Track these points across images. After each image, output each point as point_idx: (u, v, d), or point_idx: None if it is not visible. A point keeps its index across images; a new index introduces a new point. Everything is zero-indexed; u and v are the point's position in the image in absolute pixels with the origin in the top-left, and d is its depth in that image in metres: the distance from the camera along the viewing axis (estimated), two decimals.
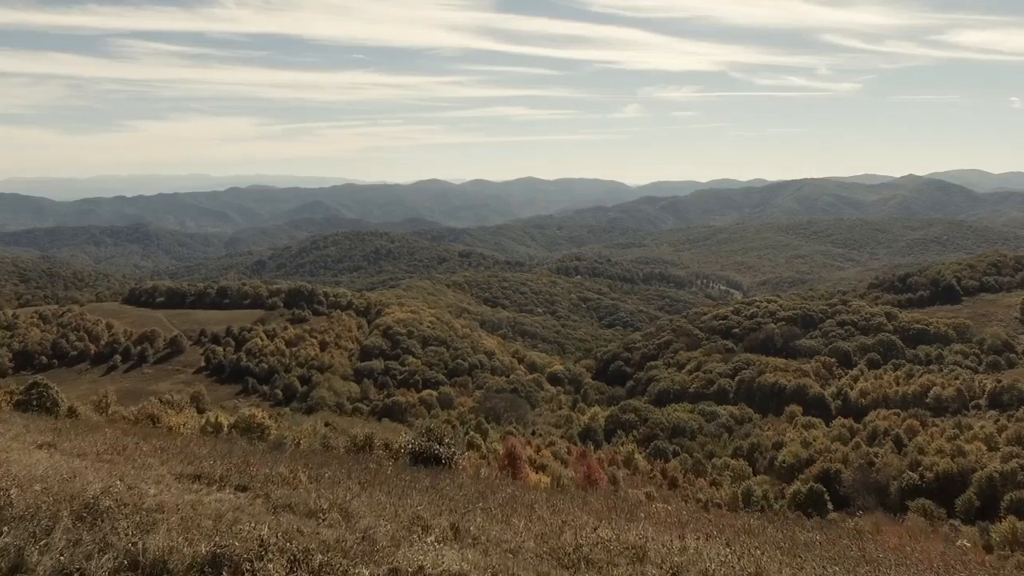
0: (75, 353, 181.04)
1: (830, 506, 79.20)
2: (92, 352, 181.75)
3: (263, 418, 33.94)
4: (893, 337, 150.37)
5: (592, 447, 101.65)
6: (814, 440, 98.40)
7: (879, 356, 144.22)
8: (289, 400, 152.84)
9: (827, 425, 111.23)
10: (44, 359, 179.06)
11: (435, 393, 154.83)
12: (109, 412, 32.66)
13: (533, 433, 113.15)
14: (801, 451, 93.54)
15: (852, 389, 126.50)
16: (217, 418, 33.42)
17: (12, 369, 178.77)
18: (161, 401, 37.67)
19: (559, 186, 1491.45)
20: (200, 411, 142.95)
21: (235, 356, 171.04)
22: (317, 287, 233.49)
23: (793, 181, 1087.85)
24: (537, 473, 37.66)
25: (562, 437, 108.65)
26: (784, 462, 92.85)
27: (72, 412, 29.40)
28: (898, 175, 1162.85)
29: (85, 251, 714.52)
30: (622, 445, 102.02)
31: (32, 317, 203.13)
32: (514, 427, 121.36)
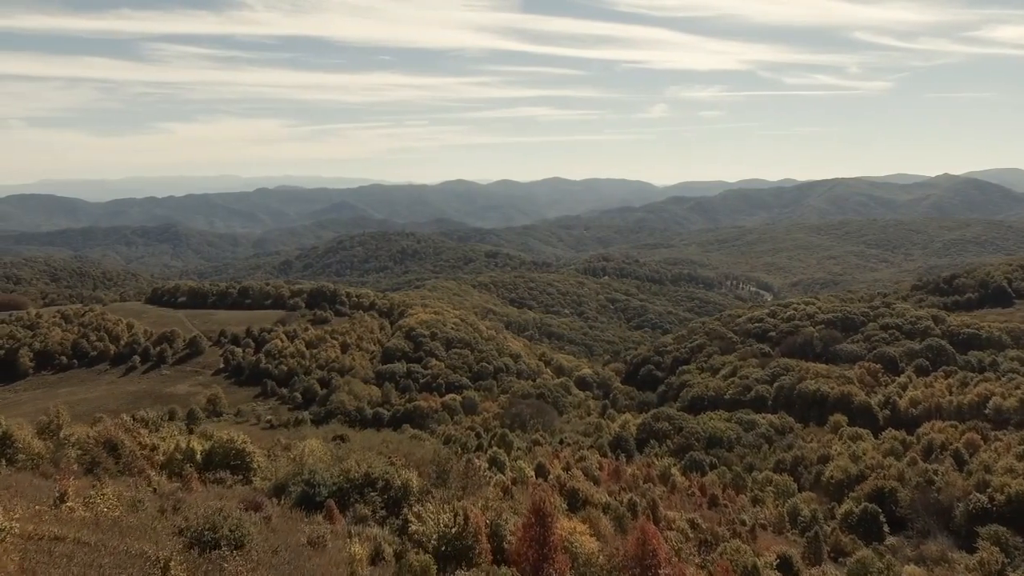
0: (95, 353, 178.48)
1: (886, 528, 72.42)
2: (112, 353, 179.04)
3: (244, 443, 28.47)
4: (942, 342, 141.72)
5: (624, 458, 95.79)
6: (863, 454, 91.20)
7: (928, 362, 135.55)
8: (308, 404, 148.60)
9: (875, 437, 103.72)
10: (64, 359, 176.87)
11: (459, 398, 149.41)
12: (60, 436, 27.59)
13: (561, 442, 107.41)
14: (850, 466, 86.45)
15: (901, 398, 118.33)
16: (190, 444, 28.01)
17: (33, 369, 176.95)
18: (134, 418, 32.47)
19: (586, 186, 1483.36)
20: (216, 414, 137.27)
21: (254, 358, 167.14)
22: (339, 287, 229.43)
23: (824, 181, 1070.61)
24: (570, 518, 31.75)
25: (591, 447, 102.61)
26: (832, 478, 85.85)
27: (7, 439, 24.25)
28: (932, 174, 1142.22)
29: (116, 251, 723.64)
30: (657, 457, 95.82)
31: (55, 316, 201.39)
32: (540, 435, 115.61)
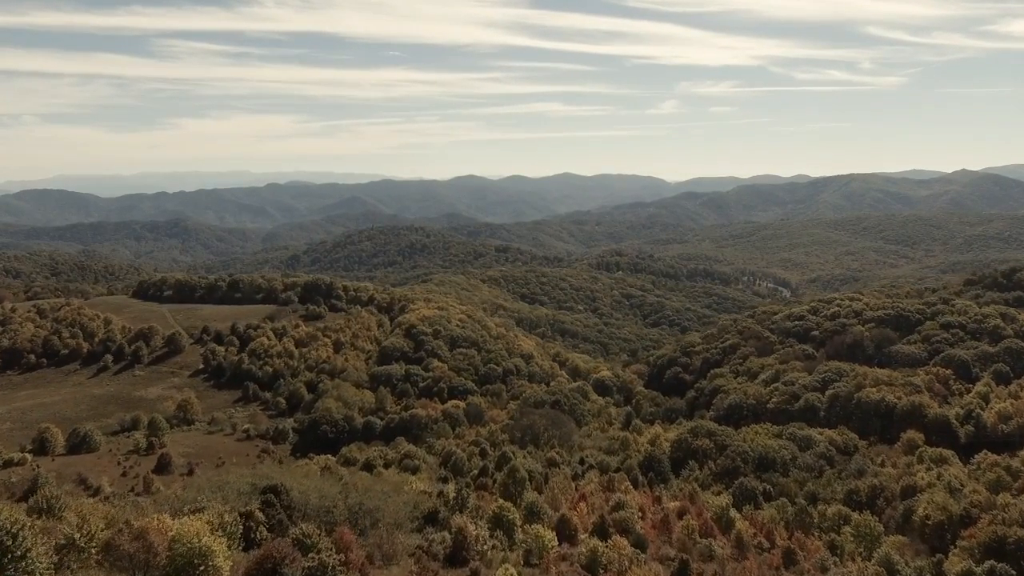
0: (66, 352, 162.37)
1: None
2: (84, 351, 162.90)
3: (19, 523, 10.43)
4: (1022, 343, 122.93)
5: (660, 484, 78.42)
6: (961, 485, 73.21)
7: (1008, 368, 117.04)
8: (293, 410, 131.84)
9: (963, 460, 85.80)
10: (33, 358, 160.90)
11: (462, 405, 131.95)
12: None
13: (582, 463, 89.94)
14: (950, 503, 68.51)
15: (985, 410, 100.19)
16: None
17: None
18: None
19: (597, 182, 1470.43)
20: (187, 422, 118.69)
21: (237, 358, 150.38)
22: (336, 280, 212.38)
23: (838, 177, 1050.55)
24: None
25: (619, 469, 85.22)
26: (928, 518, 67.85)
27: None
28: (949, 170, 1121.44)
29: (126, 246, 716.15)
30: (698, 484, 78.05)
31: (30, 311, 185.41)
32: (557, 452, 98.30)
